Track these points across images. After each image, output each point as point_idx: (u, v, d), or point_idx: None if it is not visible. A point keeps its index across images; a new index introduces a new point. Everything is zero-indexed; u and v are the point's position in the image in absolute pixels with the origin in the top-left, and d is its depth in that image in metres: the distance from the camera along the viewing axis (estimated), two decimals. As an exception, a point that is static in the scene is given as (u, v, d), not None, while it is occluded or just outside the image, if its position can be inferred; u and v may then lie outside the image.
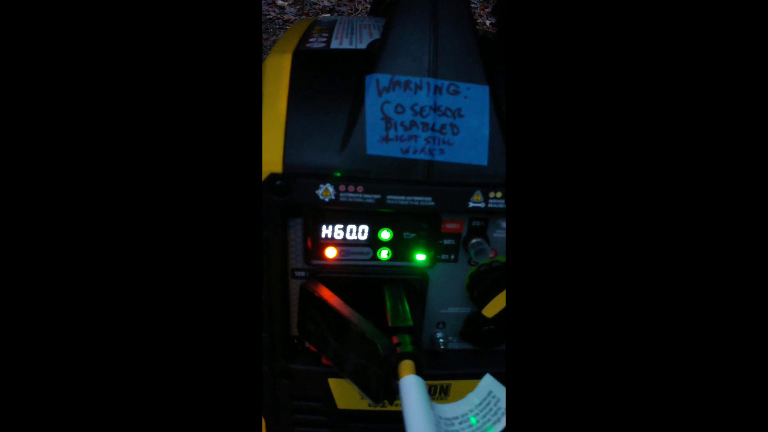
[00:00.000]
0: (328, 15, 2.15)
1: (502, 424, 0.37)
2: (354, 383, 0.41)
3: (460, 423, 0.37)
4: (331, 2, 2.22)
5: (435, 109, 0.39)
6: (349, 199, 0.40)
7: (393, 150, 0.39)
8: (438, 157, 0.40)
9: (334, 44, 0.47)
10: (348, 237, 0.44)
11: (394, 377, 0.37)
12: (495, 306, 0.44)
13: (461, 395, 0.39)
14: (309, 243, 0.44)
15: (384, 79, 0.39)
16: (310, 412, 0.51)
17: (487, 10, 2.14)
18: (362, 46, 0.46)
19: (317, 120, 0.40)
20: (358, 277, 0.45)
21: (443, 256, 0.45)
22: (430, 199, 0.41)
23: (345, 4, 2.22)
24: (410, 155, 0.40)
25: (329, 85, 0.42)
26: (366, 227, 0.43)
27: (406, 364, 0.37)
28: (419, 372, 0.36)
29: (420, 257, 0.45)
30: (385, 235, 0.44)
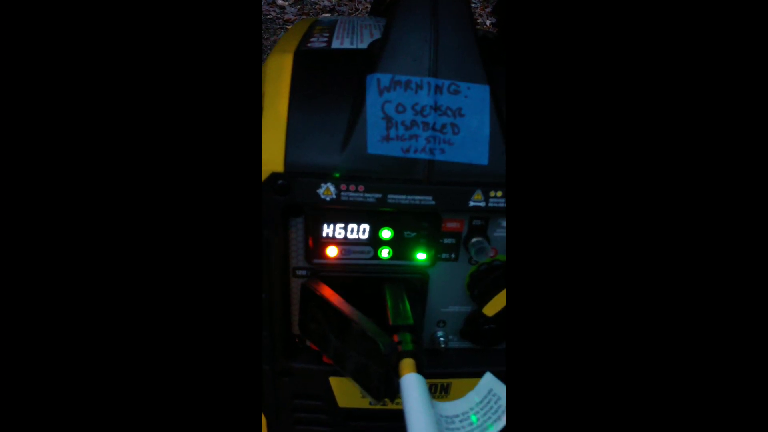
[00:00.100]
0: (329, 15, 2.15)
1: (503, 422, 0.37)
2: (355, 381, 0.41)
3: (461, 421, 0.37)
4: (331, 2, 2.22)
5: (435, 108, 0.40)
6: (350, 199, 0.40)
7: (394, 149, 0.40)
8: (438, 157, 0.40)
9: (335, 44, 0.47)
10: (349, 236, 0.44)
11: (395, 375, 0.37)
12: (495, 305, 0.44)
13: (462, 394, 0.39)
14: (310, 242, 0.44)
15: (385, 78, 0.39)
16: (311, 410, 0.51)
17: (487, 10, 2.14)
18: (363, 45, 0.47)
19: (318, 119, 0.40)
20: (359, 275, 0.45)
21: (444, 255, 0.45)
22: (430, 198, 0.41)
23: (345, 4, 2.22)
24: (411, 154, 0.40)
25: (330, 85, 0.42)
26: (367, 226, 0.44)
27: (407, 363, 0.37)
28: (420, 370, 0.36)
29: (421, 256, 0.45)
30: (386, 234, 0.44)
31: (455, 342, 0.50)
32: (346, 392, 0.50)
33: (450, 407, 0.37)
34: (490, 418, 0.37)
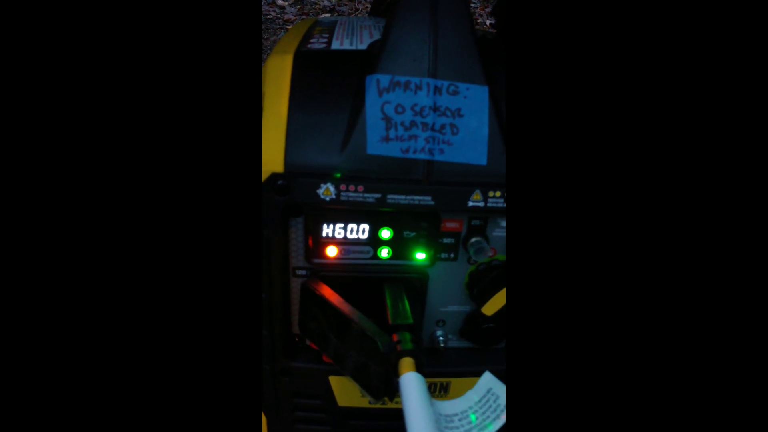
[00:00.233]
0: (329, 15, 2.15)
1: (502, 420, 0.37)
2: (355, 381, 0.41)
3: (460, 420, 0.37)
4: (331, 2, 2.22)
5: (435, 109, 0.40)
6: (350, 199, 0.41)
7: (393, 150, 0.40)
8: (438, 157, 0.40)
9: (335, 45, 0.47)
10: (349, 236, 0.44)
11: (395, 374, 0.37)
12: (494, 304, 0.44)
13: (461, 393, 0.39)
14: (310, 242, 0.44)
15: (384, 79, 0.40)
16: (311, 409, 0.51)
17: (487, 10, 2.14)
18: (362, 46, 0.47)
19: (318, 120, 0.41)
20: (358, 275, 0.46)
21: (443, 255, 0.46)
22: (429, 198, 0.41)
23: (345, 4, 2.22)
24: (410, 155, 0.40)
25: (330, 86, 0.42)
26: (366, 226, 0.44)
27: (406, 362, 0.37)
28: (419, 369, 0.37)
29: (420, 256, 0.45)
30: (386, 234, 0.44)
31: (454, 341, 0.50)
32: (346, 391, 0.50)
33: (449, 406, 0.38)
34: (488, 417, 0.37)
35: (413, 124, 0.40)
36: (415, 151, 0.40)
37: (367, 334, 0.39)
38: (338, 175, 0.40)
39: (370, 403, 0.51)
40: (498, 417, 0.37)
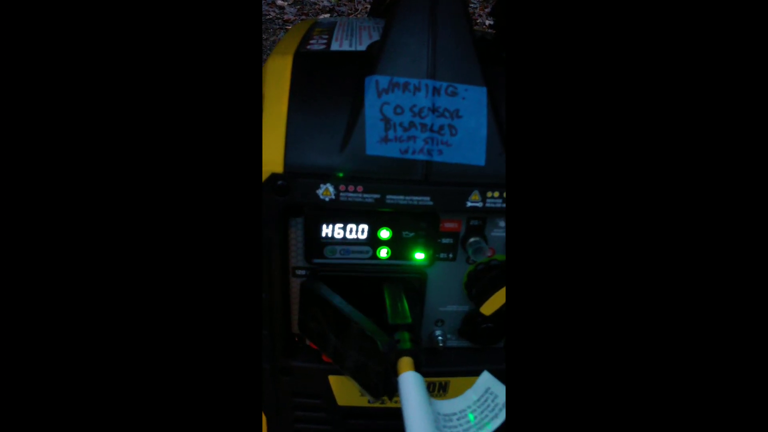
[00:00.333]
0: (328, 15, 2.15)
1: (500, 419, 0.37)
2: (354, 380, 0.41)
3: (458, 419, 0.37)
4: (330, 2, 2.23)
5: (433, 110, 0.40)
6: (349, 199, 0.41)
7: (392, 150, 0.40)
8: (436, 158, 0.40)
9: (334, 46, 0.47)
10: (348, 236, 0.44)
11: (394, 374, 0.37)
12: (493, 304, 0.45)
13: (460, 392, 0.40)
14: (310, 242, 0.44)
15: (383, 80, 0.40)
16: (311, 408, 0.52)
17: (486, 10, 2.15)
18: (362, 47, 0.47)
19: (318, 121, 0.41)
20: (358, 275, 0.46)
21: (442, 255, 0.46)
22: (428, 198, 0.41)
23: (345, 4, 2.22)
24: (409, 156, 0.40)
25: (329, 87, 0.42)
26: (366, 226, 0.44)
27: (405, 361, 0.37)
28: (418, 368, 0.37)
29: (419, 256, 0.46)
30: (385, 234, 0.45)
31: (453, 341, 0.51)
32: (346, 390, 0.50)
33: (448, 405, 0.38)
34: (487, 416, 0.38)
35: (412, 124, 0.40)
36: (413, 152, 0.40)
37: (366, 334, 0.39)
38: (341, 174, 0.40)
39: (369, 402, 0.51)
40: (496, 416, 0.38)
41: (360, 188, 0.41)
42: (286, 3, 2.21)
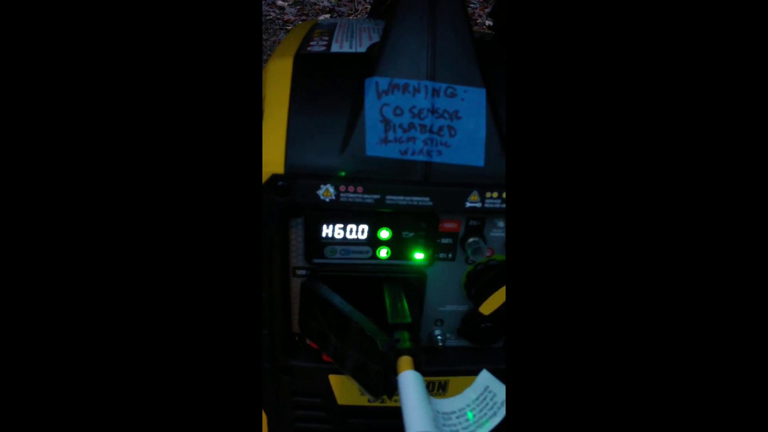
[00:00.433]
0: (328, 16, 2.16)
1: (499, 418, 0.38)
2: (354, 379, 0.41)
3: (458, 417, 0.38)
4: (331, 3, 2.23)
5: (433, 111, 0.40)
6: (349, 200, 0.41)
7: (392, 151, 0.40)
8: (436, 159, 0.41)
9: (335, 48, 0.48)
10: (348, 236, 0.45)
11: (393, 373, 0.37)
12: (492, 303, 0.45)
13: (459, 391, 0.40)
14: (310, 242, 0.45)
15: (383, 82, 0.40)
16: (311, 407, 0.52)
17: (486, 10, 2.15)
18: (362, 49, 0.47)
19: (318, 122, 0.41)
20: (358, 275, 0.46)
21: (441, 255, 0.46)
22: (428, 199, 0.41)
23: (345, 5, 2.23)
24: (409, 156, 0.41)
25: (330, 88, 0.43)
26: (366, 227, 0.44)
27: (405, 360, 0.37)
28: (417, 368, 0.37)
29: (418, 256, 0.46)
30: (385, 234, 0.45)
31: (452, 340, 0.51)
32: (346, 390, 0.50)
33: (447, 404, 0.38)
34: (485, 414, 0.38)
35: (411, 126, 0.40)
36: (413, 153, 0.41)
37: (366, 333, 0.39)
38: (343, 173, 0.40)
39: (369, 401, 0.51)
40: (495, 414, 0.38)
41: (360, 189, 0.41)
42: (286, 3, 2.21)
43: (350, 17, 2.15)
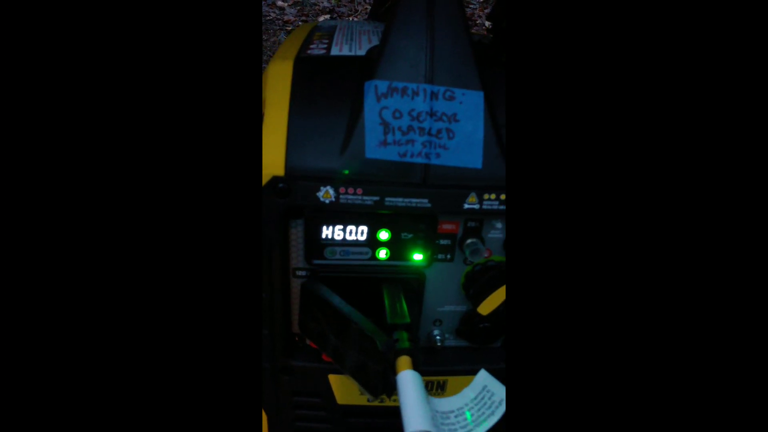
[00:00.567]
0: (328, 17, 2.16)
1: (496, 417, 0.38)
2: (353, 379, 0.42)
3: (456, 416, 0.38)
4: (330, 3, 2.23)
5: (431, 114, 0.41)
6: (349, 201, 0.42)
7: (391, 154, 0.41)
8: (434, 161, 0.41)
9: (334, 51, 0.48)
10: (348, 237, 0.45)
11: (392, 372, 0.38)
12: (490, 304, 0.45)
13: (457, 390, 0.40)
14: (310, 243, 0.45)
15: (382, 85, 0.41)
16: (311, 407, 0.52)
17: (486, 11, 2.15)
18: (361, 52, 0.48)
19: (318, 125, 0.41)
20: (357, 276, 0.47)
21: (440, 256, 0.46)
22: (426, 200, 0.42)
23: (345, 5, 2.23)
24: (408, 159, 0.41)
25: (329, 91, 0.43)
26: (365, 228, 0.45)
27: (404, 360, 0.38)
28: (416, 367, 0.37)
29: (417, 257, 0.46)
30: (384, 235, 0.45)
31: (451, 340, 0.51)
32: (345, 389, 0.51)
33: (445, 403, 0.39)
34: (484, 413, 0.38)
35: (410, 128, 0.41)
36: (412, 155, 0.41)
37: (365, 334, 0.40)
38: (346, 171, 0.41)
39: (368, 400, 0.52)
40: (493, 414, 0.38)
41: (359, 191, 0.41)
42: (286, 4, 2.21)
43: (350, 18, 2.15)
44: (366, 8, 2.18)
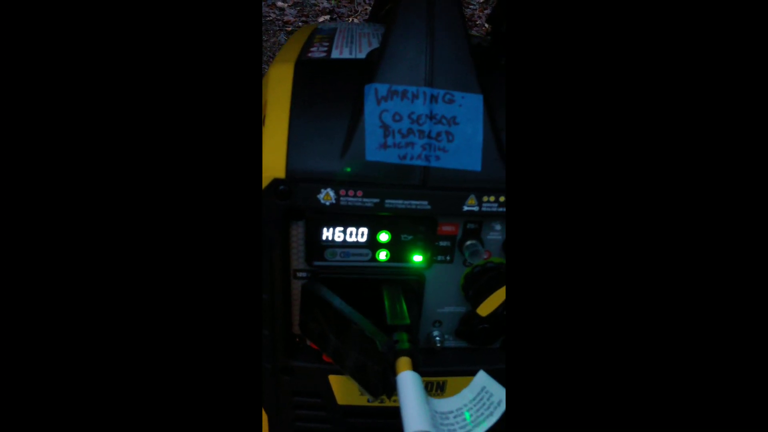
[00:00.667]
0: (328, 17, 2.16)
1: (495, 417, 0.38)
2: (354, 379, 0.42)
3: (455, 417, 0.38)
4: (330, 4, 2.23)
5: (431, 117, 0.41)
6: (349, 203, 0.42)
7: (391, 156, 0.41)
8: (434, 163, 0.41)
9: (335, 54, 0.48)
10: (348, 239, 0.45)
11: (392, 373, 0.38)
12: (489, 305, 0.46)
13: (457, 391, 0.40)
14: (310, 245, 0.45)
15: (382, 88, 0.41)
16: (311, 407, 0.53)
17: (486, 11, 2.15)
18: (361, 55, 0.48)
19: (319, 128, 0.42)
20: (357, 277, 0.47)
21: (439, 258, 0.47)
22: (426, 203, 0.42)
23: (345, 6, 2.23)
24: (407, 161, 0.41)
25: (330, 94, 0.43)
26: (365, 230, 0.45)
27: (404, 361, 0.38)
28: (416, 368, 0.38)
29: (417, 258, 0.46)
30: (384, 237, 0.45)
31: (450, 341, 0.52)
32: (345, 390, 0.51)
33: (444, 404, 0.39)
34: (482, 414, 0.39)
35: (410, 131, 0.41)
36: (412, 158, 0.41)
37: (365, 335, 0.40)
38: (348, 169, 0.41)
39: (368, 401, 0.52)
40: (491, 414, 0.38)
41: (360, 193, 0.42)
42: (286, 5, 2.22)
43: (350, 19, 2.15)
44: (366, 9, 2.19)
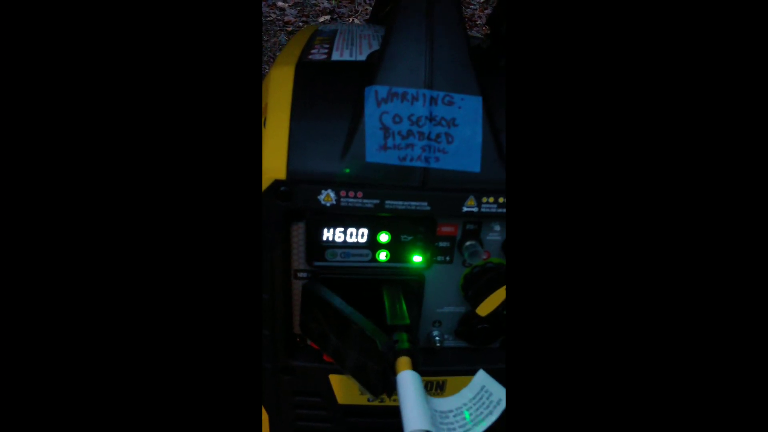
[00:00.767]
0: (328, 18, 2.16)
1: (494, 417, 0.39)
2: (354, 379, 0.42)
3: (455, 416, 0.39)
4: (331, 4, 2.24)
5: (431, 119, 0.41)
6: (350, 204, 0.42)
7: (391, 158, 0.41)
8: (433, 165, 0.42)
9: (335, 56, 0.49)
10: (348, 240, 0.46)
11: (392, 373, 0.38)
12: (488, 305, 0.46)
13: (456, 391, 0.41)
14: (311, 245, 0.46)
15: (382, 90, 0.41)
16: (312, 407, 0.53)
17: (486, 11, 2.15)
18: (361, 57, 0.48)
19: (319, 129, 0.42)
20: (358, 278, 0.47)
21: (439, 258, 0.47)
22: (426, 203, 0.42)
23: (345, 6, 2.23)
24: (407, 163, 0.42)
25: (330, 96, 0.44)
26: (365, 230, 0.45)
27: (404, 361, 0.38)
28: (416, 368, 0.38)
29: (417, 259, 0.47)
30: (384, 237, 0.46)
31: (450, 341, 0.52)
32: (346, 389, 0.51)
33: (444, 403, 0.39)
34: (482, 413, 0.39)
35: (410, 133, 0.41)
36: (411, 159, 0.42)
37: (366, 334, 0.40)
38: (348, 170, 0.41)
39: (369, 400, 0.52)
40: (491, 413, 0.39)
41: (360, 194, 0.42)
42: (286, 5, 2.22)
43: (350, 19, 2.15)
44: (366, 9, 2.19)
